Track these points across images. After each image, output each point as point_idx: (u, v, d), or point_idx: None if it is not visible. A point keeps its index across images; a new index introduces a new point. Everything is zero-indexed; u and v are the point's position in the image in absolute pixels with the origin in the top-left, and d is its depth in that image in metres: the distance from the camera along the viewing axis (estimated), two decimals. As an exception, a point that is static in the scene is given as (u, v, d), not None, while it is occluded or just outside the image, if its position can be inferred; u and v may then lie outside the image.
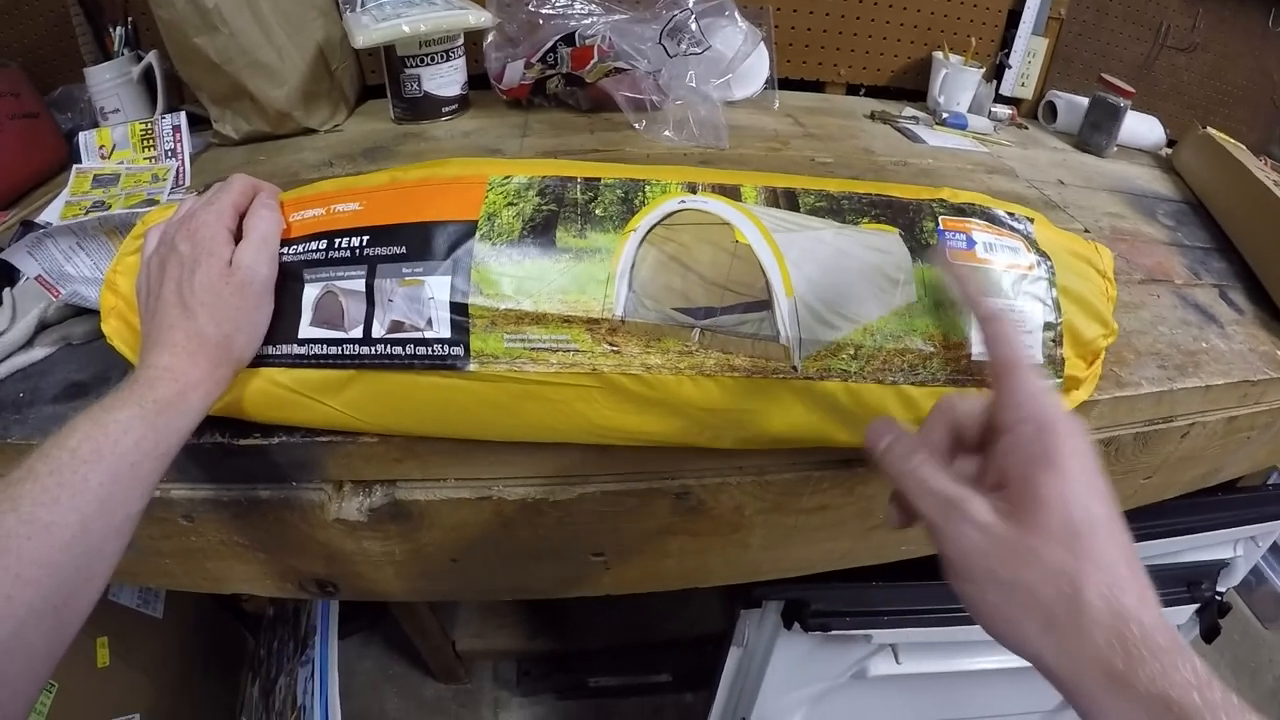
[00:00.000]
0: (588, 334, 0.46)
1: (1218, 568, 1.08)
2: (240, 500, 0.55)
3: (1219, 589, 1.09)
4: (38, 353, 0.59)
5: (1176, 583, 1.03)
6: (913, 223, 0.50)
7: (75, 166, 0.87)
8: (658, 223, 0.48)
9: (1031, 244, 0.52)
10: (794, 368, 0.46)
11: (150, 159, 0.89)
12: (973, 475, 0.37)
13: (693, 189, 0.50)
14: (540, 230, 0.47)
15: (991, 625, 0.34)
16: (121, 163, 0.89)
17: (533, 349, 0.45)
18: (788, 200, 0.50)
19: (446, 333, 0.45)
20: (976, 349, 0.48)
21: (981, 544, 0.33)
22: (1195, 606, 1.07)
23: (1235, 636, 1.61)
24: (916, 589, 0.85)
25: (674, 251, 0.47)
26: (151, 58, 0.97)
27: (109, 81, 0.96)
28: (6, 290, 0.62)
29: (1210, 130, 1.08)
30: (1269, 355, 0.71)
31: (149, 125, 0.90)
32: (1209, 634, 1.12)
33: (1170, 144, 1.25)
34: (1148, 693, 0.29)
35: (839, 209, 0.50)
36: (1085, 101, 1.19)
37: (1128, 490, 0.72)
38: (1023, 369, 0.37)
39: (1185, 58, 1.35)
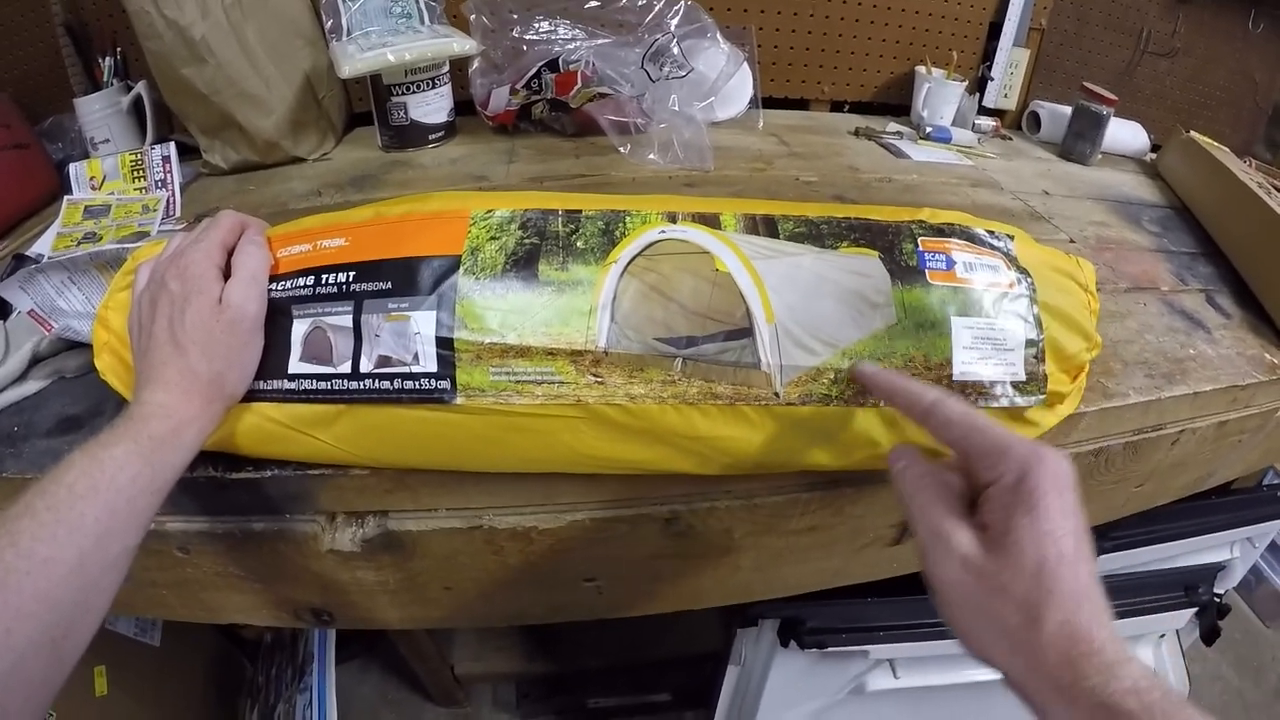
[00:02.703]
0: (572, 366, 0.46)
1: (1215, 570, 1.07)
2: (235, 532, 0.55)
3: (1217, 591, 1.09)
4: (31, 386, 0.59)
5: (1174, 587, 1.03)
6: (892, 245, 0.51)
7: (66, 198, 0.87)
8: (638, 254, 0.48)
9: (1012, 261, 0.53)
10: (776, 394, 0.47)
11: (141, 189, 0.90)
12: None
13: (673, 218, 0.50)
14: (523, 264, 0.47)
15: (965, 643, 0.38)
16: (112, 193, 0.89)
17: (518, 382, 0.46)
18: (767, 227, 0.51)
19: (433, 367, 0.46)
20: (959, 369, 0.49)
21: (960, 575, 0.38)
22: (1194, 610, 1.07)
23: (1237, 636, 1.60)
24: (912, 604, 0.85)
25: (655, 282, 0.47)
26: (140, 88, 0.98)
27: (99, 112, 0.96)
28: (0, 324, 0.62)
29: (1194, 134, 1.08)
30: (1257, 358, 0.71)
31: (139, 156, 0.90)
32: (1209, 636, 1.11)
33: (1154, 149, 1.25)
34: (1090, 702, 0.32)
35: (818, 234, 0.51)
36: (1068, 111, 1.20)
37: (1120, 499, 0.73)
38: (980, 431, 0.40)
39: (1167, 63, 1.36)
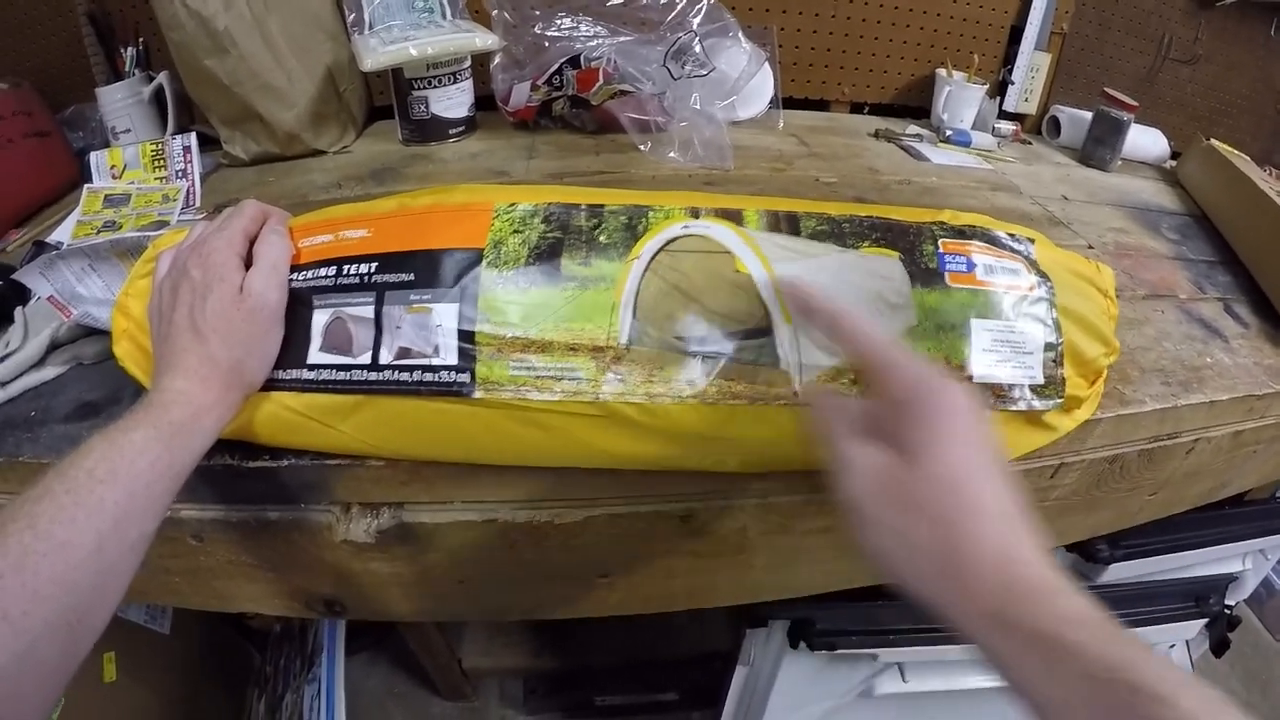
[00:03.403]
0: (592, 362, 0.46)
1: (1226, 581, 1.07)
2: (249, 521, 0.55)
3: (1228, 602, 1.08)
4: (49, 372, 0.60)
5: (1185, 597, 1.03)
6: (913, 246, 0.51)
7: (86, 186, 0.87)
8: (660, 248, 0.48)
9: (1032, 265, 0.52)
10: (795, 393, 0.47)
11: (161, 179, 0.90)
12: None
13: (695, 214, 0.50)
14: (546, 258, 0.47)
15: (889, 570, 0.35)
16: (132, 183, 0.89)
17: (538, 377, 0.46)
18: (789, 224, 0.51)
19: (453, 360, 0.46)
20: (978, 371, 0.48)
21: (873, 487, 0.36)
22: (1204, 621, 1.06)
23: (1246, 650, 1.59)
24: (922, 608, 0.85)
25: (677, 280, 0.47)
26: (162, 78, 0.98)
27: (120, 101, 0.97)
28: (19, 309, 0.63)
29: (1214, 142, 1.08)
30: (1274, 369, 0.71)
31: (160, 145, 0.91)
32: (1218, 647, 1.11)
33: (1174, 156, 1.24)
34: (1023, 631, 0.31)
35: (840, 233, 0.51)
36: (1089, 116, 1.19)
37: (1134, 507, 0.72)
38: (897, 361, 0.38)
39: (1188, 69, 1.35)
